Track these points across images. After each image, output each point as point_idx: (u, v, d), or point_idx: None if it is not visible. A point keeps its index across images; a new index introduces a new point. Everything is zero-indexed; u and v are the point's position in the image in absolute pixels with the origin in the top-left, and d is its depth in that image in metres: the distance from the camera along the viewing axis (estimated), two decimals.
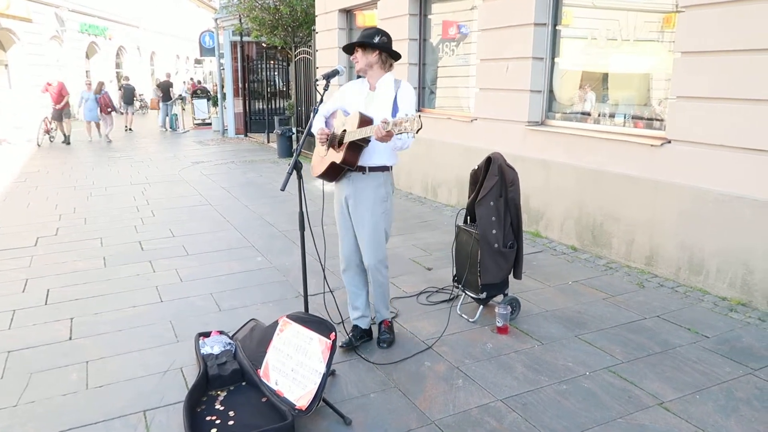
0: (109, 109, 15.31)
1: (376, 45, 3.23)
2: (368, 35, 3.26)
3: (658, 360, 3.36)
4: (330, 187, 3.48)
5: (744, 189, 4.05)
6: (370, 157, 3.23)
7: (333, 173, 3.30)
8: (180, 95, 21.07)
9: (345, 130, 3.19)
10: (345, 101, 3.38)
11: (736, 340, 3.60)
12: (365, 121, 3.08)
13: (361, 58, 3.26)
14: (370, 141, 3.12)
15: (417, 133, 2.77)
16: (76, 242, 5.84)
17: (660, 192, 4.62)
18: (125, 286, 4.59)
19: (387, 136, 2.89)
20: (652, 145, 4.66)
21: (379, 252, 3.39)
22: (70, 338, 3.69)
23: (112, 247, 5.64)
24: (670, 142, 4.54)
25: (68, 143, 14.35)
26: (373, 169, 3.27)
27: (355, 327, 3.55)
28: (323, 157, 3.35)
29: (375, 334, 3.62)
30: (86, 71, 23.75)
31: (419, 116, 2.73)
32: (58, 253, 5.47)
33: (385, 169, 3.32)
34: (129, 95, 18.08)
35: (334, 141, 3.28)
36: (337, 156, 3.21)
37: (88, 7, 23.69)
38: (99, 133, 15.20)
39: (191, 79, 27.39)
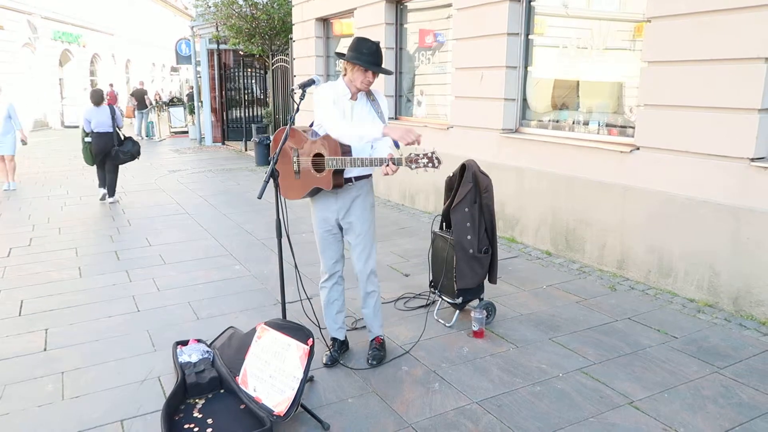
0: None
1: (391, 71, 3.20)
2: (379, 59, 3.12)
3: (629, 360, 3.45)
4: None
5: (707, 193, 4.20)
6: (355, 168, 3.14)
7: (315, 193, 3.25)
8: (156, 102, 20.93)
9: (321, 154, 3.07)
10: (337, 107, 3.18)
11: (704, 341, 3.72)
12: (344, 145, 3.03)
13: (373, 79, 3.16)
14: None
15: (437, 167, 2.86)
16: (50, 252, 5.77)
17: (629, 197, 4.75)
18: (101, 296, 4.56)
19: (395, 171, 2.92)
20: (621, 152, 4.80)
21: (372, 259, 3.40)
22: (45, 349, 3.65)
23: (88, 257, 5.59)
24: (638, 148, 4.67)
25: None
26: (358, 178, 3.26)
27: (335, 340, 3.55)
28: (298, 180, 3.20)
29: (351, 344, 3.64)
30: (60, 79, 23.43)
31: (435, 151, 2.84)
32: (32, 263, 5.40)
33: (368, 176, 3.33)
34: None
35: (306, 164, 3.16)
36: (323, 182, 3.10)
37: (62, 15, 23.38)
38: (12, 177, 9.43)
39: (161, 90, 27.15)
